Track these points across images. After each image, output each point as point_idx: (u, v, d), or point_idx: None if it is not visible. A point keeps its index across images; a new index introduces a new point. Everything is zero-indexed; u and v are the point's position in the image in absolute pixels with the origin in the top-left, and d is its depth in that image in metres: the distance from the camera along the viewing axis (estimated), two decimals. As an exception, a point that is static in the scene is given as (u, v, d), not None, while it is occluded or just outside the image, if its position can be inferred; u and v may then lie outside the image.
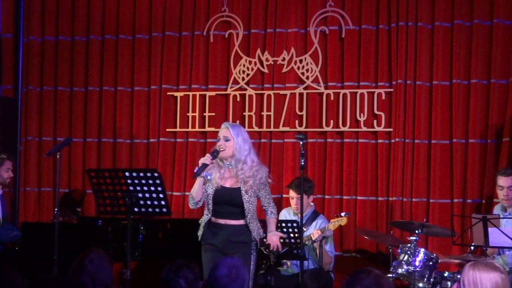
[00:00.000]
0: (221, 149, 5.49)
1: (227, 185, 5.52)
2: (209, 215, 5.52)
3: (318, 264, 6.51)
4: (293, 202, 6.69)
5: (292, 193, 6.68)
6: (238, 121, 7.54)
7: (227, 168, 5.53)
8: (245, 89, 7.70)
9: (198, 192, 5.51)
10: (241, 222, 5.48)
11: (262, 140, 7.58)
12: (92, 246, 6.29)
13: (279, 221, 6.12)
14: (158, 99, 7.91)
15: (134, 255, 6.45)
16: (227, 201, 5.49)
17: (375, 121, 7.34)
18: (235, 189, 5.48)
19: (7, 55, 8.31)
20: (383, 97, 7.32)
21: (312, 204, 6.86)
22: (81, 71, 8.17)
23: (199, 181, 5.49)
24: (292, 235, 5.98)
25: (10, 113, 8.04)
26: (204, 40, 7.82)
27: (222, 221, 5.51)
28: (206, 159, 5.41)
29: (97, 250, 3.88)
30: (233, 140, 5.51)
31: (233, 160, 5.50)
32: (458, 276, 3.54)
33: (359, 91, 7.36)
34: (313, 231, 6.47)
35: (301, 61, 7.55)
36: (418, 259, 6.08)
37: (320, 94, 7.51)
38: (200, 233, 5.57)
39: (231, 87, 7.74)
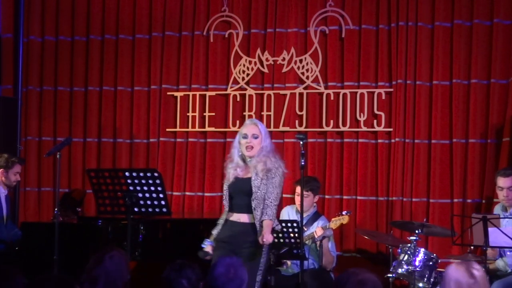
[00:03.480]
0: (249, 147, 5.43)
1: (243, 177, 5.48)
2: (226, 212, 5.53)
3: (319, 264, 6.51)
4: (298, 199, 6.67)
5: (299, 190, 6.65)
6: (238, 121, 7.54)
7: (245, 166, 5.49)
8: (245, 89, 7.70)
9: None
10: (252, 219, 5.43)
11: (262, 140, 7.57)
12: (93, 246, 6.33)
13: (280, 221, 6.11)
14: (158, 99, 7.91)
15: (134, 255, 6.45)
16: (238, 190, 5.45)
17: (375, 121, 7.34)
18: (247, 179, 5.43)
19: (7, 55, 8.31)
20: (383, 97, 7.32)
21: (315, 204, 6.86)
22: (81, 71, 8.17)
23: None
24: (292, 235, 5.98)
25: (10, 113, 8.04)
26: (204, 40, 7.82)
27: (234, 217, 5.46)
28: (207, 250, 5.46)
29: (120, 250, 3.90)
30: (261, 137, 5.47)
31: (257, 156, 5.44)
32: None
33: (359, 91, 7.37)
34: (314, 230, 6.47)
35: (301, 61, 7.55)
36: (418, 259, 6.07)
37: (320, 94, 7.51)
38: (215, 231, 5.53)
39: (231, 87, 7.74)
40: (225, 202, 5.56)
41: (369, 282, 3.18)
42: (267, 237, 5.30)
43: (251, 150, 5.44)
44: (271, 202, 5.40)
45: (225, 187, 5.54)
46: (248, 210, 5.42)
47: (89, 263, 3.79)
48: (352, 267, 3.33)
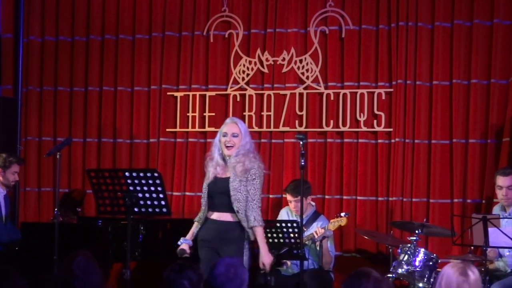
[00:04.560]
0: (229, 146, 5.49)
1: (222, 176, 5.55)
2: (205, 211, 5.57)
3: (319, 264, 6.51)
4: (291, 205, 6.70)
5: (289, 197, 6.70)
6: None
7: (225, 165, 5.54)
8: (245, 89, 7.70)
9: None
10: (234, 218, 5.48)
11: (262, 140, 7.58)
12: (90, 246, 6.33)
13: (280, 221, 6.12)
14: (158, 99, 7.91)
15: (134, 255, 6.45)
16: (218, 190, 5.52)
17: (375, 121, 7.33)
18: (226, 179, 5.50)
19: (7, 55, 8.31)
20: (383, 97, 7.32)
21: (313, 204, 6.87)
22: (81, 71, 8.16)
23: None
24: (292, 235, 5.98)
25: (10, 113, 8.04)
26: (204, 40, 7.82)
27: (215, 216, 5.54)
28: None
29: (83, 253, 3.89)
30: (241, 135, 5.52)
31: (235, 154, 5.51)
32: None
33: (359, 91, 7.36)
34: (314, 230, 6.47)
35: (301, 61, 7.54)
36: (418, 259, 6.08)
37: (320, 94, 7.51)
38: (194, 230, 5.65)
39: (231, 87, 7.74)
40: (203, 201, 5.61)
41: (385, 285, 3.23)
42: (266, 260, 5.44)
43: (231, 149, 5.51)
44: (255, 204, 5.46)
45: (205, 185, 5.60)
46: (229, 209, 5.49)
47: (61, 275, 3.79)
48: (352, 267, 3.34)
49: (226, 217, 5.50)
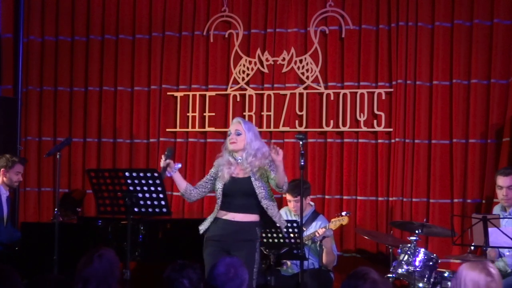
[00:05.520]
0: (232, 142, 5.52)
1: (239, 176, 5.53)
2: (217, 210, 5.54)
3: (320, 263, 6.51)
4: (290, 205, 6.70)
5: (288, 197, 6.70)
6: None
7: (237, 164, 5.54)
8: (245, 89, 7.70)
9: (180, 184, 5.64)
10: (250, 218, 5.46)
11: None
12: (93, 246, 6.33)
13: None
14: (158, 99, 7.91)
15: (134, 255, 6.45)
16: (238, 191, 5.49)
17: (375, 121, 7.34)
18: (246, 178, 5.49)
19: (7, 55, 8.31)
20: (383, 97, 7.32)
21: (312, 204, 6.87)
22: (81, 71, 8.16)
23: (174, 178, 5.61)
24: (292, 235, 5.98)
25: (10, 113, 8.04)
26: (204, 40, 7.82)
27: (229, 216, 5.49)
28: (162, 162, 5.51)
29: (109, 249, 3.91)
30: (245, 134, 5.55)
31: (244, 153, 5.52)
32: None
33: (359, 91, 7.37)
34: (314, 231, 6.48)
35: (301, 61, 7.55)
36: (418, 259, 6.08)
37: (320, 94, 7.51)
38: (202, 227, 5.57)
39: (231, 87, 7.74)
40: (218, 201, 5.57)
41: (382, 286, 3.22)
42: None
43: (233, 144, 5.54)
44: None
45: (219, 185, 5.55)
46: (248, 210, 5.46)
47: (79, 264, 3.80)
48: (352, 267, 3.33)
49: (242, 217, 5.47)
